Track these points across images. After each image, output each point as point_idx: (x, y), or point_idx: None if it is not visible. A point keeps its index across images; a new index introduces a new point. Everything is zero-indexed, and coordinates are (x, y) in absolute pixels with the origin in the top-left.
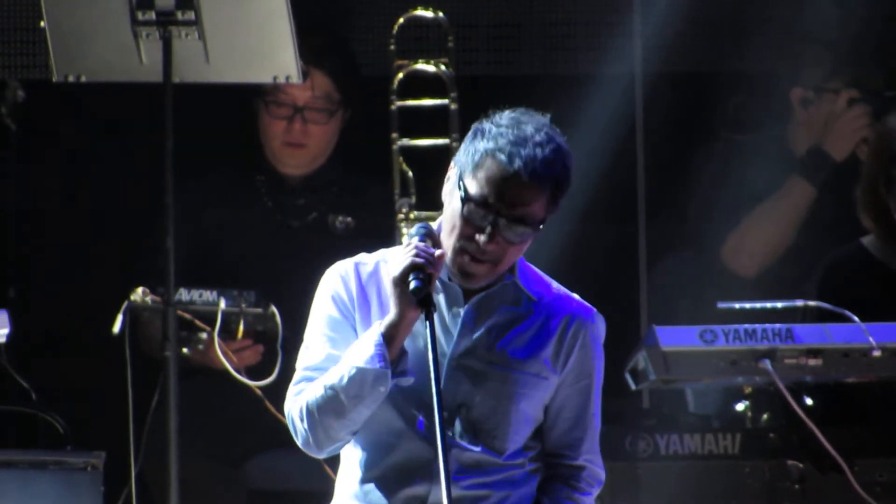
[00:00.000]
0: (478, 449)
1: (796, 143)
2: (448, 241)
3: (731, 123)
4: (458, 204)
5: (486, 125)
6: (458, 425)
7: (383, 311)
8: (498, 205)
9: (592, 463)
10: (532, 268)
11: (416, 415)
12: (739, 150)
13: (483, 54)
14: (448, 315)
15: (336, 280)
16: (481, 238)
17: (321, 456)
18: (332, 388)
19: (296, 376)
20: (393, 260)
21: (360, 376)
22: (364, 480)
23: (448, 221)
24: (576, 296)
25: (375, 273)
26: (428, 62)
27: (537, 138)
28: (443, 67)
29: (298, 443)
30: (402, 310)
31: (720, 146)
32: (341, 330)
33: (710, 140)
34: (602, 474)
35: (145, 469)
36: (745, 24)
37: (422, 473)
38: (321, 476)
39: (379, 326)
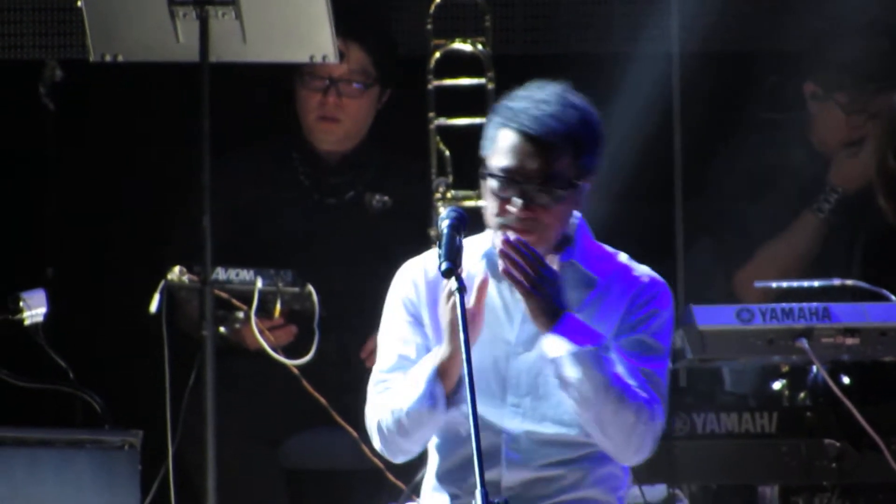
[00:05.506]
0: (551, 429)
1: (814, 133)
2: (491, 224)
3: (768, 102)
4: (487, 184)
5: (501, 104)
6: (528, 407)
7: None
8: (520, 171)
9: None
10: (593, 241)
11: (488, 398)
12: (776, 129)
13: (520, 33)
14: (511, 300)
15: (405, 283)
16: (513, 208)
17: (398, 462)
18: (396, 413)
19: (371, 378)
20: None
21: (416, 412)
22: (441, 472)
23: (486, 206)
24: (641, 267)
25: (437, 281)
26: (465, 41)
27: (544, 97)
28: (480, 47)
29: (381, 449)
30: (456, 347)
31: (757, 125)
32: (411, 331)
33: (747, 119)
34: (658, 411)
35: (182, 448)
36: (783, 3)
37: (491, 461)
38: (359, 455)
39: (433, 360)
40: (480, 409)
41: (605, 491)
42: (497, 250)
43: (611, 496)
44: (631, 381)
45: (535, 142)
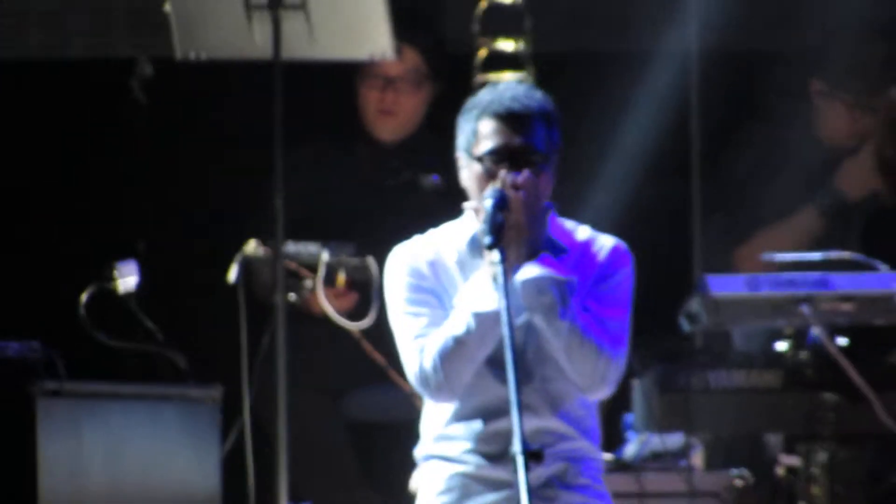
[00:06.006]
0: (563, 386)
1: (819, 128)
2: (482, 205)
3: (778, 93)
4: (476, 170)
5: (464, 107)
6: (533, 370)
7: (451, 287)
8: (507, 147)
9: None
10: (557, 220)
11: (493, 356)
12: (784, 118)
13: (556, 33)
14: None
15: (403, 260)
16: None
17: (454, 401)
18: (457, 338)
19: (407, 348)
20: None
21: (484, 320)
22: (450, 422)
23: (475, 192)
24: (603, 236)
25: (436, 259)
26: (507, 40)
27: (506, 86)
28: (521, 45)
29: (429, 396)
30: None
31: (767, 115)
32: (427, 294)
33: (759, 109)
34: (620, 352)
35: (257, 402)
36: (794, 5)
37: (505, 411)
38: (409, 408)
39: (502, 265)
40: (490, 368)
41: (589, 441)
42: (511, 181)
43: (594, 447)
44: (595, 325)
45: (514, 119)
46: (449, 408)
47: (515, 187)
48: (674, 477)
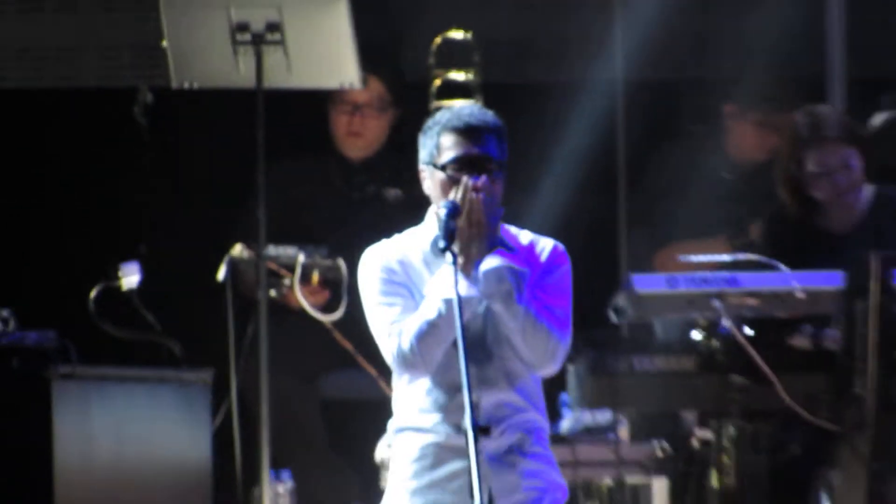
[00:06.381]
0: (517, 364)
1: (730, 145)
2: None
3: (693, 117)
4: (440, 178)
5: (425, 126)
6: (493, 351)
7: (420, 282)
8: (467, 156)
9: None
10: (506, 227)
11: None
12: (698, 140)
13: (501, 66)
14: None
15: (376, 259)
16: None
17: (427, 377)
18: (430, 322)
19: (385, 332)
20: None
21: (452, 306)
22: (422, 397)
23: (438, 198)
24: (544, 238)
25: (403, 258)
26: (458, 71)
27: (461, 106)
28: (470, 76)
29: (407, 373)
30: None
31: (683, 137)
32: (399, 287)
33: (676, 132)
34: (565, 336)
35: (243, 384)
36: (709, 38)
37: (472, 383)
38: (375, 388)
39: (454, 266)
40: (457, 349)
41: (539, 413)
42: (472, 184)
43: (543, 418)
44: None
45: (472, 132)
46: (421, 385)
47: (476, 190)
48: (603, 448)
